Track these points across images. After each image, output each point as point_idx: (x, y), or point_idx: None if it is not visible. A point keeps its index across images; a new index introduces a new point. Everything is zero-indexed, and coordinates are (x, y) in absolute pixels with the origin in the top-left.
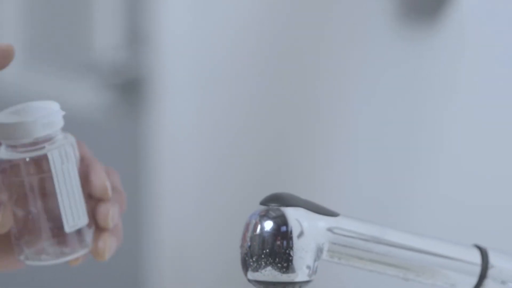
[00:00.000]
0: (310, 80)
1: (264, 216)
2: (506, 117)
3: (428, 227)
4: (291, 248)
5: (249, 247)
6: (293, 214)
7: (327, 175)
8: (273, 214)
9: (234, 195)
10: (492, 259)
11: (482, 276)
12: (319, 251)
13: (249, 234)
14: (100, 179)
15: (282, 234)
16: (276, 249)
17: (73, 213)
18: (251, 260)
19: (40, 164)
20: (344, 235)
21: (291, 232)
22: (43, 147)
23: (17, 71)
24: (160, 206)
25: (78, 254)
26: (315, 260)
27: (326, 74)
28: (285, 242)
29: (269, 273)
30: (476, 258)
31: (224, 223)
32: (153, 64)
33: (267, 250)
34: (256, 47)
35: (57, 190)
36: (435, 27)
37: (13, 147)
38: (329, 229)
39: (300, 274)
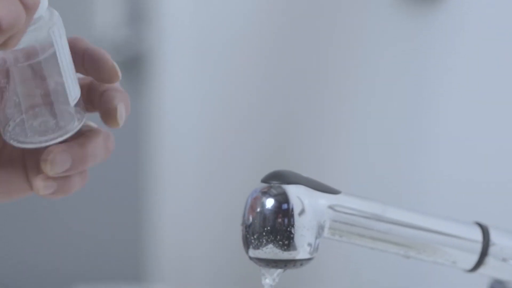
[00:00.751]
0: (315, 58)
1: (265, 193)
2: (506, 93)
3: (429, 204)
4: (292, 225)
5: (250, 224)
6: (294, 192)
7: (329, 154)
8: (274, 191)
9: (236, 173)
10: (493, 236)
11: (483, 253)
12: (320, 228)
13: (250, 212)
14: (109, 60)
15: (283, 211)
16: (277, 227)
17: (74, 86)
18: (252, 237)
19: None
20: (345, 213)
21: (292, 210)
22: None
23: None
24: (160, 183)
25: (76, 127)
26: (316, 238)
27: (330, 52)
28: (286, 220)
29: (270, 251)
30: (477, 235)
31: (225, 201)
32: (153, 41)
33: (268, 228)
34: (258, 23)
35: (60, 65)
36: (435, 4)
37: None
38: (330, 207)
39: (301, 252)
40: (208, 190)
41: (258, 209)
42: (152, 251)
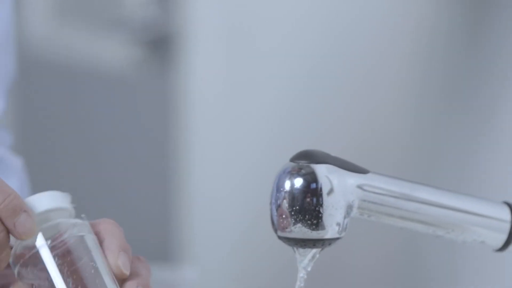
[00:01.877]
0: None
1: (294, 173)
2: None
3: (459, 184)
4: (321, 205)
5: (279, 204)
6: (323, 171)
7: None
8: (303, 171)
9: (264, 151)
10: None
11: None
12: (349, 208)
13: (278, 191)
14: (113, 258)
15: (312, 191)
16: (306, 206)
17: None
18: (280, 217)
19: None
20: (374, 192)
21: (321, 189)
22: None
23: (49, 27)
24: (188, 161)
25: None
26: (345, 217)
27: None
28: (315, 199)
29: (298, 230)
30: (506, 215)
31: (254, 180)
32: (183, 21)
33: (297, 207)
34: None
35: (101, 272)
36: None
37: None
38: (359, 186)
39: (330, 231)
40: (236, 169)
41: (287, 189)
42: (180, 233)
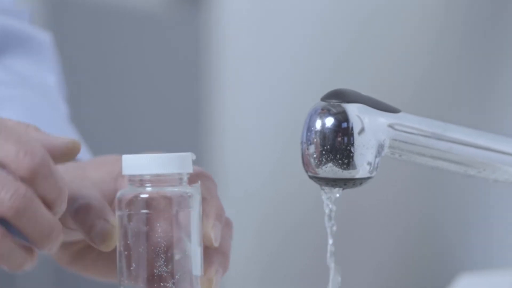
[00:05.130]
0: None
1: (325, 112)
2: None
3: (490, 124)
4: (352, 144)
5: (310, 143)
6: (354, 110)
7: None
8: (334, 110)
9: (295, 90)
10: None
11: None
12: (380, 147)
13: (309, 131)
14: (207, 227)
15: (343, 130)
16: (336, 146)
17: (201, 259)
18: (311, 157)
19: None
20: (405, 132)
21: (352, 128)
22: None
23: None
24: (219, 101)
25: None
26: (376, 157)
27: None
28: (346, 139)
29: (329, 170)
30: None
31: (285, 118)
32: None
33: (328, 147)
34: None
35: (195, 232)
36: None
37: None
38: (390, 125)
39: (361, 171)
40: (268, 106)
41: (318, 128)
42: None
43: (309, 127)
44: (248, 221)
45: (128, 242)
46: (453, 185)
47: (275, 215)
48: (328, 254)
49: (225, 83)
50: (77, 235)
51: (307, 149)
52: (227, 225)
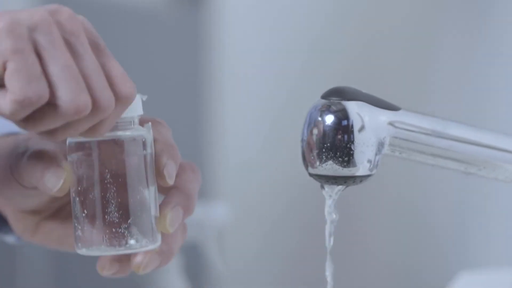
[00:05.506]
0: None
1: (325, 110)
2: None
3: (491, 122)
4: (352, 142)
5: (310, 141)
6: (354, 108)
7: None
8: (334, 108)
9: (295, 87)
10: None
11: None
12: (380, 145)
13: (309, 128)
14: (160, 165)
15: (343, 128)
16: (337, 143)
17: (156, 200)
18: (312, 154)
19: (134, 144)
20: (406, 129)
21: (352, 126)
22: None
23: None
24: (219, 96)
25: (152, 246)
26: (376, 154)
27: None
28: (346, 136)
29: (330, 167)
30: None
31: (285, 116)
32: None
33: (328, 144)
34: None
35: (149, 174)
36: None
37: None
38: (391, 123)
39: (361, 168)
40: (268, 104)
41: (318, 126)
42: (213, 170)
43: (309, 124)
44: (248, 219)
45: (79, 188)
46: (453, 183)
47: (275, 213)
48: (328, 255)
49: (225, 82)
50: (37, 199)
51: (308, 146)
52: (192, 169)
